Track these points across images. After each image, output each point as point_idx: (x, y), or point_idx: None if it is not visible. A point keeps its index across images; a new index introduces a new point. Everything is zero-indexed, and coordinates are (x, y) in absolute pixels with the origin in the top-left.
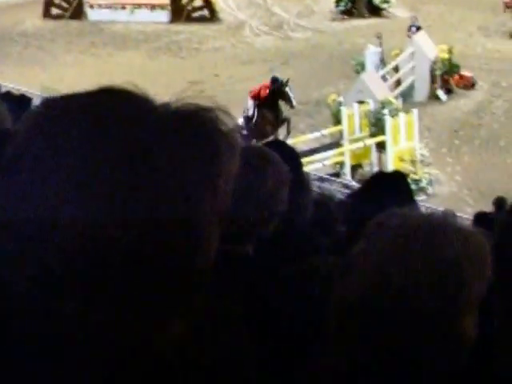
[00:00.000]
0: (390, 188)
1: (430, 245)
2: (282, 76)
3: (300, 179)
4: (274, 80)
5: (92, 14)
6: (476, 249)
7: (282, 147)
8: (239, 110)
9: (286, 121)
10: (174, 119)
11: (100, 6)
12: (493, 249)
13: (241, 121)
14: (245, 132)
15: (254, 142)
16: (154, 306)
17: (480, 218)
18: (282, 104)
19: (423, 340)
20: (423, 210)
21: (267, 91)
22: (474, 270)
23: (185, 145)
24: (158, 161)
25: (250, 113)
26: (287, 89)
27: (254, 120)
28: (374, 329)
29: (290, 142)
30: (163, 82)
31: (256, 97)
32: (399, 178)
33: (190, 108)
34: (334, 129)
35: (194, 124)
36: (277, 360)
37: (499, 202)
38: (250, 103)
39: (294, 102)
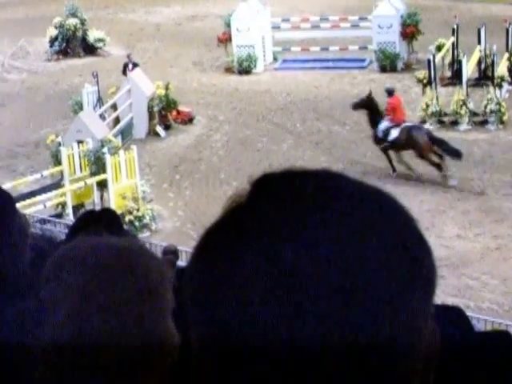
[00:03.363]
0: (101, 224)
1: (129, 267)
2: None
3: (15, 224)
4: None
5: None
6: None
7: None
8: None
9: None
10: None
11: None
12: None
13: None
14: None
15: None
16: None
17: None
18: None
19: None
20: (147, 245)
21: None
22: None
23: None
24: None
25: None
26: None
27: None
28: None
29: (9, 185)
30: None
31: None
32: (108, 213)
33: None
34: (54, 169)
35: None
36: None
37: None
38: None
39: None
